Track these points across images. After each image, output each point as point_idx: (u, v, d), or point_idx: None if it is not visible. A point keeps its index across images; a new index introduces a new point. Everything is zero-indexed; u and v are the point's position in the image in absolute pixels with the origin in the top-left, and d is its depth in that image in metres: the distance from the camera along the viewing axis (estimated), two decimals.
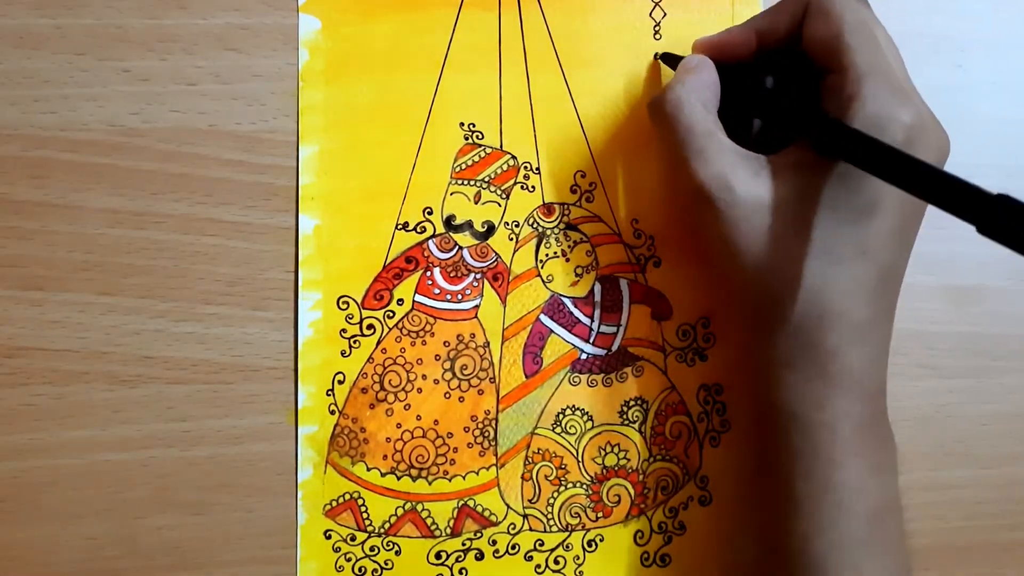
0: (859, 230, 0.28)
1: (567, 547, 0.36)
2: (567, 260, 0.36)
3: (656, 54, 0.36)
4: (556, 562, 0.36)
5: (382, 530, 0.35)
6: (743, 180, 0.29)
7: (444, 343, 0.35)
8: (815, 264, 0.28)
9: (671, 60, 0.35)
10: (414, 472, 0.35)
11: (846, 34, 0.29)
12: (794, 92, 0.32)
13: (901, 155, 0.25)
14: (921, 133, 0.28)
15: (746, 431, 0.36)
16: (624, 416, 0.36)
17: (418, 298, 0.35)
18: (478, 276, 0.36)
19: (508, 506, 0.35)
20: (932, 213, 0.28)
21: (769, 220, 0.29)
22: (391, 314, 0.35)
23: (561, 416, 0.36)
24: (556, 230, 0.36)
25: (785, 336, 0.29)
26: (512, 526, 0.35)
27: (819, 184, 0.28)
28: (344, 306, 0.35)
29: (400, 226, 0.35)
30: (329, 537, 0.35)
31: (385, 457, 0.35)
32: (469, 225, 0.36)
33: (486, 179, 0.36)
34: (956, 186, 0.24)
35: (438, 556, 0.35)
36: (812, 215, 0.28)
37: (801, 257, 0.29)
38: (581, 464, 0.36)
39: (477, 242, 0.36)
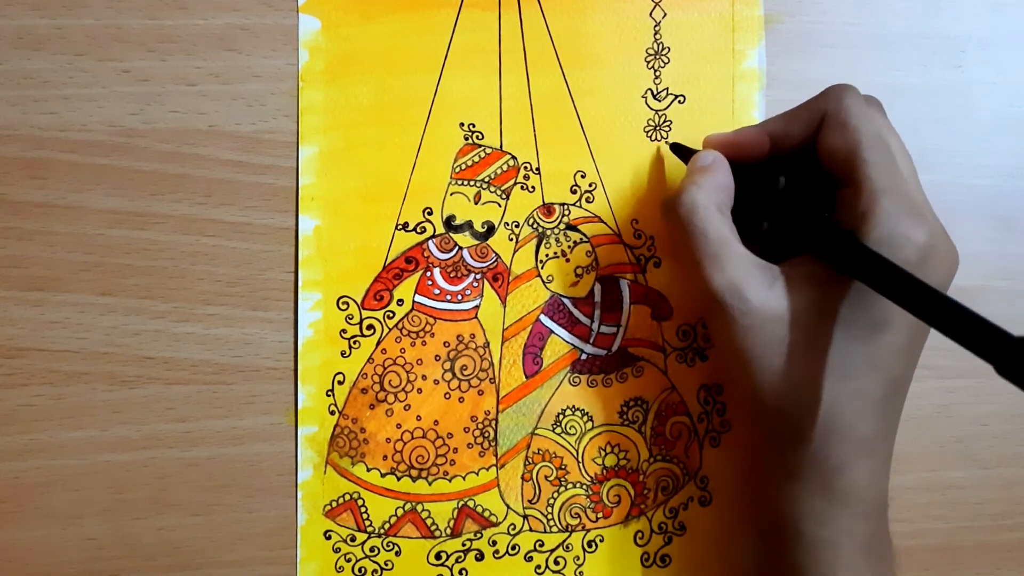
0: (870, 346, 0.28)
1: (567, 547, 0.36)
2: (567, 260, 0.36)
3: (667, 142, 0.36)
4: (556, 563, 0.36)
5: (382, 531, 0.35)
6: (757, 290, 0.29)
7: (444, 343, 0.35)
8: (826, 379, 0.28)
9: (680, 151, 0.35)
10: (414, 472, 0.35)
11: (863, 149, 0.28)
12: (807, 198, 0.31)
13: (918, 283, 0.25)
14: (934, 252, 0.28)
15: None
16: (624, 416, 0.36)
17: (418, 298, 0.35)
18: (478, 276, 0.36)
19: (508, 506, 0.35)
20: None
21: (782, 332, 0.29)
22: (391, 314, 0.35)
23: (561, 416, 0.36)
24: (556, 230, 0.36)
25: (792, 449, 0.29)
26: (512, 526, 0.35)
27: (833, 300, 0.28)
28: (344, 306, 0.35)
29: (400, 226, 0.35)
30: (329, 538, 0.35)
31: (385, 457, 0.35)
32: (469, 225, 0.36)
33: (486, 179, 0.36)
34: (976, 323, 0.23)
35: (438, 557, 0.35)
36: (826, 331, 0.28)
37: (813, 371, 0.28)
38: (581, 464, 0.36)
39: (477, 242, 0.36)
